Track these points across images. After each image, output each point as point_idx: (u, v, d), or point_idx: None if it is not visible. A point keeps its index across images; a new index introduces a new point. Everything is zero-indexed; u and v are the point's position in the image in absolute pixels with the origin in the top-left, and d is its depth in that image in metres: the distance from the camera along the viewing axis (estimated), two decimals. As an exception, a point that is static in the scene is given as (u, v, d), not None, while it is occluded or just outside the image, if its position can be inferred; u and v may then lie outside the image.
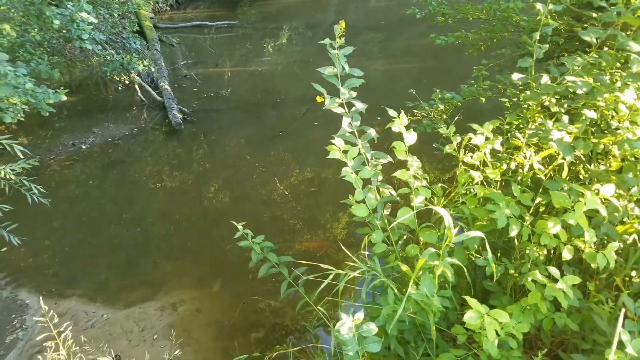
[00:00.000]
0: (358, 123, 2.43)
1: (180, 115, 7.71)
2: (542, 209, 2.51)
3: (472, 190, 2.47)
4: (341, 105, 2.39)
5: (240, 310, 4.46)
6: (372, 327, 1.73)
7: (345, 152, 2.33)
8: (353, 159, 2.33)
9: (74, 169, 6.82)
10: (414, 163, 2.37)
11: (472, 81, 4.34)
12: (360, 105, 2.40)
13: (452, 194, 2.61)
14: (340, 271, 2.16)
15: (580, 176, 2.62)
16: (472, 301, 1.77)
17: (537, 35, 2.30)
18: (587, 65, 2.33)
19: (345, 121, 2.36)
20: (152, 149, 7.37)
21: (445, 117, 4.09)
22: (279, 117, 8.15)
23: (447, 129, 2.76)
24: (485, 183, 2.61)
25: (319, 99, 2.34)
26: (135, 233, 5.57)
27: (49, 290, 4.68)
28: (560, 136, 2.13)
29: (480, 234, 1.77)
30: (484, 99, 4.05)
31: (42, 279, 4.86)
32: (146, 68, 8.28)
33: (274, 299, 4.52)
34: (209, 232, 5.58)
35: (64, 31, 6.30)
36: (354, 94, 2.40)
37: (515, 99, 4.19)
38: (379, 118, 7.57)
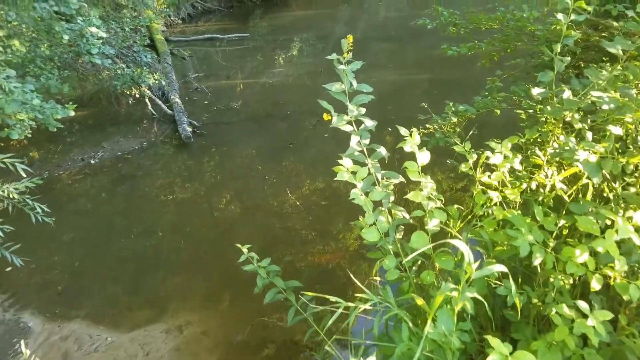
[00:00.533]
0: (367, 141, 2.29)
1: (190, 129, 7.65)
2: (565, 231, 2.34)
3: (490, 212, 2.32)
4: (349, 122, 2.26)
5: (247, 332, 4.31)
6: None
7: (354, 173, 2.19)
8: (362, 179, 2.19)
9: (84, 183, 6.77)
10: (428, 184, 2.23)
11: (486, 92, 4.18)
12: (369, 123, 2.27)
13: (469, 216, 2.45)
14: (350, 304, 2.01)
15: (605, 194, 2.46)
16: (494, 341, 1.61)
17: (558, 48, 2.15)
18: (612, 79, 2.17)
19: (354, 140, 2.22)
20: (162, 163, 7.30)
21: (458, 129, 3.93)
22: (289, 129, 8.06)
23: (462, 143, 2.61)
24: (503, 204, 2.45)
25: (326, 116, 2.21)
26: (145, 247, 5.47)
27: (53, 312, 4.57)
28: (586, 157, 1.98)
29: (503, 268, 1.62)
30: (498, 111, 3.89)
31: (47, 298, 4.76)
32: (157, 82, 8.25)
33: (283, 320, 4.36)
34: (219, 243, 5.47)
35: (73, 46, 6.29)
36: (363, 110, 2.27)
37: (531, 111, 4.03)
38: (389, 129, 7.46)
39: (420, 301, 1.88)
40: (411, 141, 2.16)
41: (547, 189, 2.37)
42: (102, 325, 4.47)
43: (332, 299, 2.03)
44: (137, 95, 8.33)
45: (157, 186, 6.68)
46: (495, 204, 2.33)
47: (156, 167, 7.19)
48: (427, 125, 4.18)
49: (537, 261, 1.92)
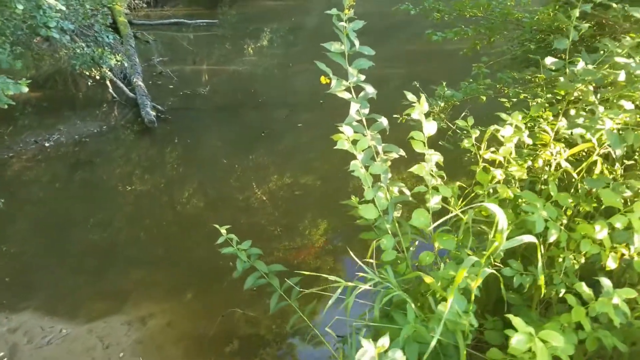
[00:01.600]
0: (367, 111, 2.10)
1: (153, 113, 7.26)
2: (569, 212, 2.22)
3: (492, 190, 2.17)
4: (348, 89, 2.06)
5: (218, 323, 4.06)
6: (400, 357, 1.39)
7: (354, 143, 2.00)
8: (363, 151, 1.99)
9: (37, 168, 6.30)
10: (434, 157, 2.05)
11: (471, 79, 4.07)
12: (370, 90, 2.07)
13: (471, 195, 2.29)
14: (350, 283, 1.82)
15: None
16: (516, 321, 1.45)
17: (576, 12, 2.02)
18: (635, 47, 2.06)
19: (354, 108, 2.02)
20: (123, 149, 6.91)
21: (443, 116, 3.80)
22: (260, 119, 7.79)
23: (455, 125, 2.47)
24: (506, 183, 2.30)
25: (323, 79, 2.01)
26: (103, 238, 5.10)
27: (0, 303, 4.18)
28: (611, 125, 1.85)
29: (533, 239, 1.46)
30: (484, 98, 3.78)
31: (-6, 288, 4.35)
32: (119, 63, 7.82)
33: (257, 310, 4.14)
34: (181, 238, 5.16)
35: (28, 19, 5.83)
36: (362, 77, 2.08)
37: (515, 100, 3.95)
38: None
39: (429, 279, 1.71)
40: (419, 108, 1.98)
41: (553, 167, 2.24)
42: (56, 316, 4.10)
43: (331, 278, 1.82)
44: (98, 77, 7.85)
45: (117, 174, 6.29)
46: (499, 182, 2.18)
47: (116, 153, 6.79)
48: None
49: (552, 238, 1.78)
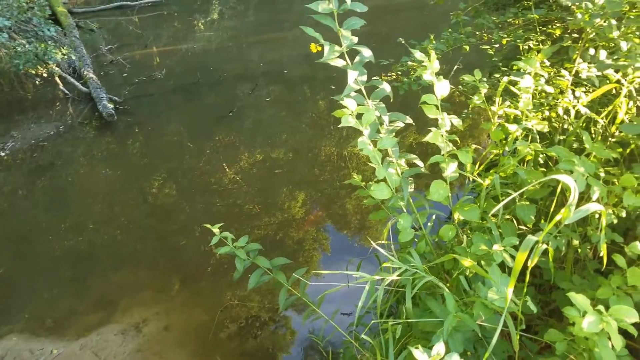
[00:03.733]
0: (364, 78, 1.85)
1: (111, 105, 6.82)
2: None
3: (506, 151, 1.97)
4: (342, 56, 1.80)
5: (217, 318, 3.85)
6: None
7: (359, 116, 1.74)
8: (369, 124, 1.74)
9: (-5, 180, 5.86)
10: (453, 120, 1.83)
11: (450, 29, 3.83)
12: (367, 53, 1.81)
13: (487, 159, 2.08)
14: (375, 277, 1.60)
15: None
16: (579, 299, 1.27)
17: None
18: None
19: (352, 76, 1.76)
20: (84, 147, 6.47)
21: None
22: (223, 97, 7.43)
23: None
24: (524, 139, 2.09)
25: (313, 47, 1.74)
26: (77, 243, 4.77)
27: (-20, 332, 3.87)
28: (651, 61, 1.66)
29: (601, 207, 1.26)
30: (467, 47, 3.56)
31: (-31, 317, 4.02)
32: (65, 57, 7.26)
33: (254, 299, 3.95)
34: (158, 230, 4.90)
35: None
36: (355, 39, 1.82)
37: (497, 46, 3.74)
38: (333, 87, 7.04)
39: (467, 262, 1.50)
40: (430, 66, 1.73)
41: (572, 116, 2.04)
42: (43, 337, 3.82)
43: (355, 274, 1.60)
44: (45, 75, 7.32)
45: (82, 174, 5.90)
46: (516, 139, 1.97)
47: (78, 152, 6.36)
48: (391, 73, 3.79)
49: (595, 195, 1.60)
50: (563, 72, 2.04)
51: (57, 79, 7.46)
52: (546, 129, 1.91)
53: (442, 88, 1.76)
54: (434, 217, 2.05)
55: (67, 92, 7.45)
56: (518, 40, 2.97)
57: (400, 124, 1.91)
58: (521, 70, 2.01)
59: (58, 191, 5.67)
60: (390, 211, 2.04)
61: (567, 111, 2.06)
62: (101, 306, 4.08)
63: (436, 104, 1.76)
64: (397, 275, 1.61)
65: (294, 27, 10.00)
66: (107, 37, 10.04)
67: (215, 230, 2.31)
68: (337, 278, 2.54)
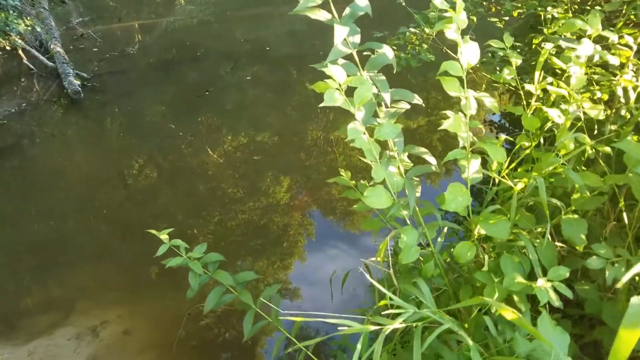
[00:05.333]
0: (357, 39, 1.38)
1: (78, 82, 6.29)
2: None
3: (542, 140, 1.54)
4: (326, 6, 1.31)
5: (184, 323, 3.44)
6: None
7: (350, 92, 1.28)
8: (364, 104, 1.29)
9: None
10: (486, 100, 1.36)
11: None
12: (363, 2, 1.33)
13: (522, 154, 1.63)
14: (369, 327, 1.15)
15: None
16: None
17: None
18: None
19: (340, 33, 1.28)
20: (51, 126, 5.96)
21: (426, 46, 3.12)
22: (202, 75, 6.94)
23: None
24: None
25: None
26: (44, 233, 4.31)
27: None
28: None
29: None
30: (474, 19, 3.12)
31: None
32: (29, 28, 6.69)
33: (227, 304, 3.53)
34: (137, 217, 4.47)
35: None
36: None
37: (507, 19, 3.32)
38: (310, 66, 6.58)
39: (511, 315, 1.06)
40: (457, 19, 1.24)
41: (632, 99, 1.58)
42: (-12, 340, 3.39)
43: (339, 322, 1.13)
44: (8, 47, 6.74)
45: (52, 156, 5.41)
46: (557, 127, 1.54)
47: (45, 132, 5.85)
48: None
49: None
50: (626, 38, 1.59)
51: (20, 52, 6.88)
52: (601, 116, 1.46)
53: (471, 52, 1.30)
54: (444, 230, 1.62)
55: (32, 67, 6.89)
56: (539, 9, 2.52)
57: (405, 105, 1.45)
58: (569, 35, 1.57)
59: (26, 173, 5.25)
60: (389, 220, 1.59)
61: (625, 92, 1.62)
62: (57, 305, 3.65)
63: (461, 76, 1.30)
64: (402, 322, 1.18)
65: (281, 4, 9.48)
66: (80, 9, 9.43)
67: (162, 236, 1.84)
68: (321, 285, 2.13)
